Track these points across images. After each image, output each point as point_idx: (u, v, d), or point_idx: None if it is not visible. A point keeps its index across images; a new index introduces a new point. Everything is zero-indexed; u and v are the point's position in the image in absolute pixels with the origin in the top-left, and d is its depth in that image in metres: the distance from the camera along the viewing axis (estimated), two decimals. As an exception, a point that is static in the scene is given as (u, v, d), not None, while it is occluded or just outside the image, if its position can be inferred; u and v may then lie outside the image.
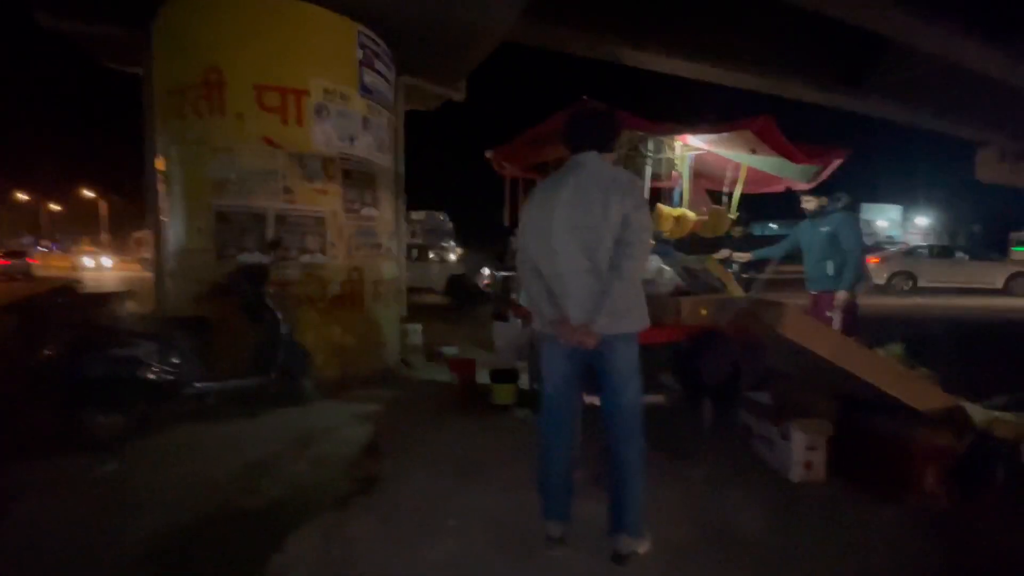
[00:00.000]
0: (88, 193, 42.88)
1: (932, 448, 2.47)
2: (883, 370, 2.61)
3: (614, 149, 2.12)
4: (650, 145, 5.06)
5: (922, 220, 41.84)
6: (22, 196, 44.03)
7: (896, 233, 38.54)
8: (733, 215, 4.89)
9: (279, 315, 3.77)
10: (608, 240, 1.88)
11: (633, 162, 5.36)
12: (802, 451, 2.72)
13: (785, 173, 4.81)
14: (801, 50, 11.40)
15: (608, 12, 9.10)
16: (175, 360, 3.25)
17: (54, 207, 46.31)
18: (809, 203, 4.61)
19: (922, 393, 2.60)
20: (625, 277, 1.87)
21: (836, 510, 2.45)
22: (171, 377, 3.21)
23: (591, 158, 1.99)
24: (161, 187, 4.69)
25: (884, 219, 40.54)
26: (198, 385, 3.33)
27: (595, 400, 2.92)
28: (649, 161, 5.21)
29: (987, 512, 2.45)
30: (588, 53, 10.10)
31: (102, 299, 4.96)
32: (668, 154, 5.00)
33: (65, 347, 3.03)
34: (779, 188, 5.14)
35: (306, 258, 4.44)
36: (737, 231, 5.00)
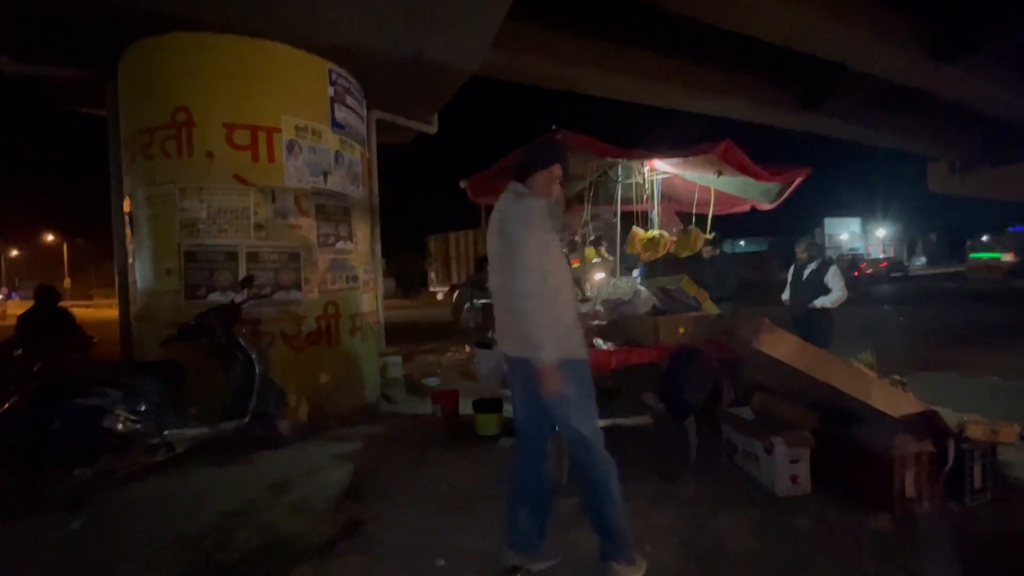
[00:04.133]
0: (51, 237, 41.55)
1: (911, 454, 2.51)
2: (857, 379, 2.67)
3: (529, 176, 2.08)
4: (619, 171, 5.21)
5: (881, 231, 43.70)
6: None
7: (859, 245, 40.12)
8: (709, 235, 5.04)
9: (253, 355, 3.67)
10: (505, 263, 1.98)
11: (603, 187, 5.51)
12: (786, 465, 2.74)
13: (749, 194, 5.01)
14: (762, 77, 12.00)
15: (573, 39, 9.44)
16: (142, 408, 3.11)
17: (14, 253, 44.66)
18: (706, 251, 5.13)
19: (896, 400, 2.67)
20: (514, 301, 1.90)
21: (825, 523, 2.46)
22: (139, 426, 3.07)
23: (510, 187, 2.12)
24: (128, 229, 4.58)
25: (846, 232, 42.18)
26: (168, 433, 3.19)
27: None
28: (619, 186, 5.37)
29: (970, 515, 2.50)
30: (556, 83, 10.42)
31: (65, 346, 4.77)
32: (637, 179, 5.15)
33: (26, 399, 2.88)
34: (744, 208, 5.33)
35: (280, 295, 4.36)
36: (708, 251, 5.14)
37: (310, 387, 4.43)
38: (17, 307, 27.52)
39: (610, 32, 9.72)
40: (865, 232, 43.46)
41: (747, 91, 11.94)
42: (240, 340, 3.69)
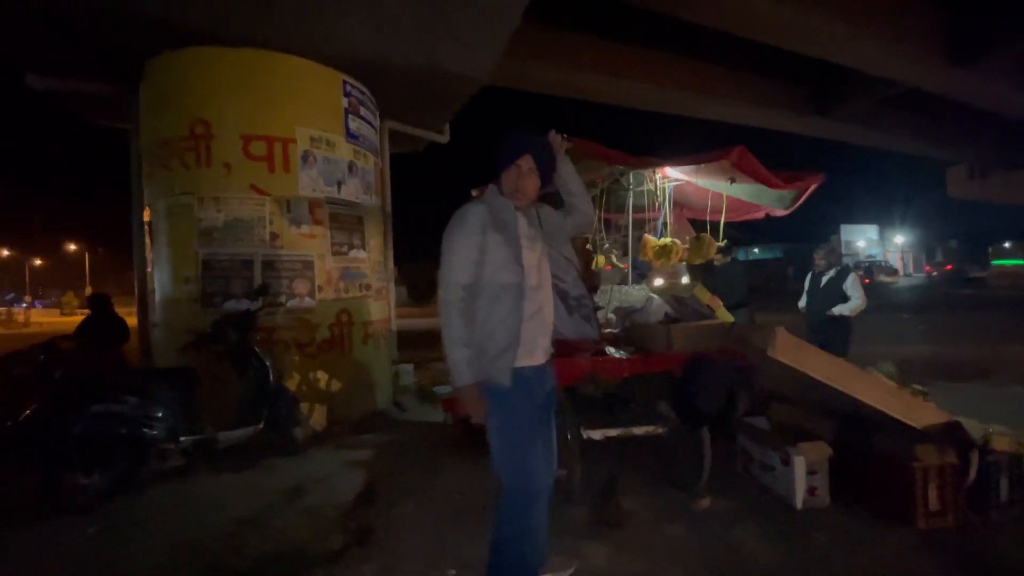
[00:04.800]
0: (73, 247, 42.58)
1: (934, 466, 2.45)
2: (877, 389, 2.61)
3: (498, 174, 1.85)
4: (631, 178, 5.20)
5: (899, 238, 42.94)
6: (6, 252, 43.59)
7: (876, 252, 39.45)
8: (721, 242, 4.99)
9: (267, 362, 3.71)
10: None
11: (615, 195, 5.50)
12: (804, 476, 2.68)
13: (763, 200, 4.96)
14: (774, 81, 11.92)
15: (582, 47, 9.48)
16: (159, 414, 3.15)
17: (38, 262, 45.82)
18: (717, 258, 5.12)
19: (918, 410, 2.60)
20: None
21: (844, 536, 2.40)
22: (155, 432, 3.11)
23: (488, 189, 1.92)
24: (147, 239, 4.67)
25: (862, 239, 41.52)
26: (183, 439, 3.23)
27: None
28: (630, 194, 5.36)
29: (996, 529, 2.42)
30: (565, 91, 10.45)
31: (86, 353, 4.86)
32: (649, 186, 5.13)
33: (46, 405, 2.94)
34: (759, 215, 5.28)
35: (294, 302, 4.41)
36: (718, 258, 5.09)
37: (323, 394, 4.46)
38: (40, 315, 28.15)
39: (620, 39, 9.75)
40: (883, 239, 42.74)
41: (758, 96, 11.88)
42: (255, 347, 3.73)
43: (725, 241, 5.05)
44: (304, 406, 4.10)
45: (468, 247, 1.69)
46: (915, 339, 8.95)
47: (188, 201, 4.27)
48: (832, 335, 4.29)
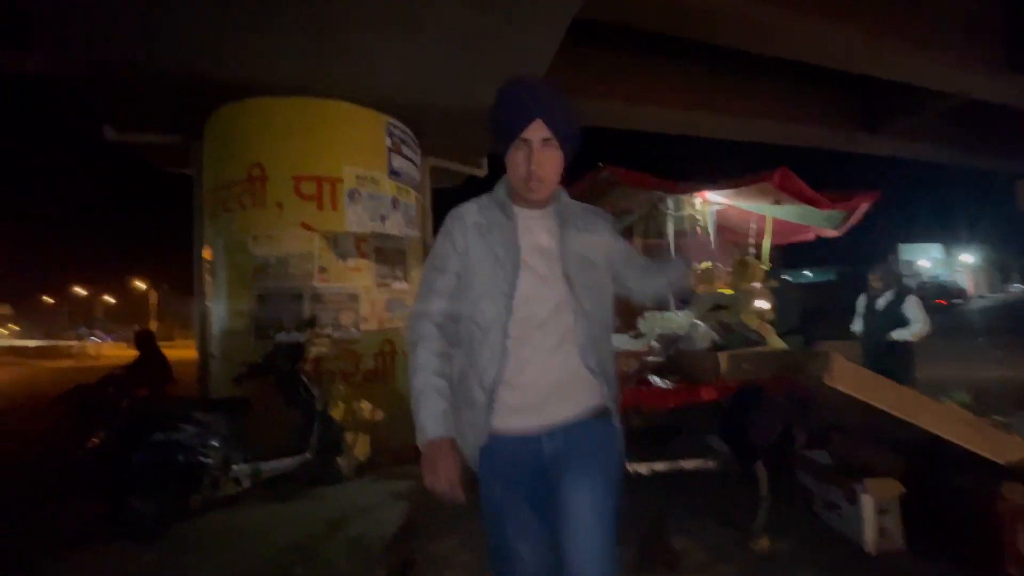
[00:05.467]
0: (141, 284, 45.74)
1: (1022, 506, 2.21)
2: (952, 420, 2.41)
3: (504, 158, 1.25)
4: (670, 203, 5.14)
5: (967, 257, 40.12)
6: (80, 291, 47.24)
7: (941, 272, 36.92)
8: (765, 266, 4.83)
9: (314, 392, 3.81)
10: None
11: (654, 221, 5.44)
12: (874, 515, 2.48)
13: (812, 221, 4.78)
14: (816, 99, 11.60)
15: (614, 74, 9.55)
16: (213, 443, 3.28)
17: (108, 299, 49.38)
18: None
19: (1001, 444, 2.38)
20: None
21: (923, 584, 2.19)
22: (210, 461, 3.23)
23: None
24: (207, 275, 4.97)
25: (925, 258, 39.05)
26: (235, 468, 3.33)
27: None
28: (670, 219, 5.28)
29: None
30: (600, 120, 10.53)
31: (149, 384, 5.14)
32: (689, 210, 5.05)
33: (111, 434, 3.11)
34: (808, 237, 5.09)
35: (340, 333, 4.54)
36: (769, 282, 4.90)
37: (367, 424, 4.52)
38: (110, 349, 30.14)
39: (653, 65, 9.79)
40: (949, 258, 40.10)
41: (798, 114, 11.56)
42: (303, 378, 3.85)
43: (772, 264, 4.88)
44: (348, 435, 4.16)
45: (441, 265, 1.25)
46: (991, 364, 8.25)
47: (244, 239, 4.53)
48: (892, 362, 4.02)
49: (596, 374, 1.23)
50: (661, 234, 5.45)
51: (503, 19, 4.08)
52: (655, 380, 3.19)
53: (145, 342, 5.60)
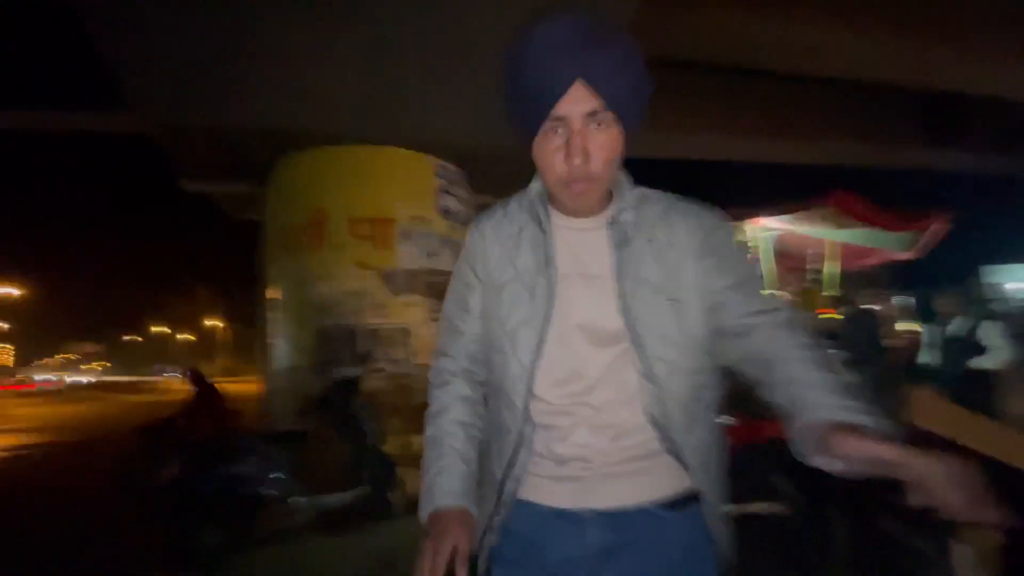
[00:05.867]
0: (213, 324, 49.06)
1: None
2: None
3: (532, 148, 0.85)
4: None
5: (1068, 278, 36.25)
6: (159, 329, 51.17)
7: (1035, 295, 33.53)
8: (831, 292, 4.57)
9: (368, 427, 3.89)
10: None
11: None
12: (972, 568, 2.20)
13: (881, 244, 4.51)
14: (879, 115, 11.04)
15: (668, 107, 9.51)
16: (274, 476, 3.39)
17: (185, 337, 53.15)
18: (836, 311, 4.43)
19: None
20: None
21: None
22: (271, 493, 3.33)
23: None
24: (271, 313, 5.27)
25: (1014, 281, 35.66)
26: (293, 500, 3.42)
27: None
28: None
29: None
30: (651, 152, 10.47)
31: (207, 418, 5.43)
32: (741, 237, 4.90)
33: (182, 466, 3.29)
34: (878, 260, 4.79)
35: (393, 368, 4.65)
36: (835, 311, 4.61)
37: (419, 458, 4.54)
38: (185, 383, 32.10)
39: (706, 96, 9.70)
40: (1042, 280, 36.38)
41: (857, 133, 11.03)
42: (358, 412, 3.94)
43: (839, 291, 4.60)
44: (401, 470, 4.19)
45: (455, 296, 0.98)
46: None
47: (305, 278, 4.80)
48: (970, 394, 3.63)
49: (677, 452, 0.82)
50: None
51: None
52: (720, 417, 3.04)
53: (197, 380, 5.92)
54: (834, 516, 2.47)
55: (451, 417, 0.97)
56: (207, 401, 5.76)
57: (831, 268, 4.61)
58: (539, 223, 0.89)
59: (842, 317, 4.59)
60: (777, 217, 4.39)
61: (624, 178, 0.89)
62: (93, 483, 5.78)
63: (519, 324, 0.86)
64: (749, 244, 4.95)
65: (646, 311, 0.82)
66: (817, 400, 0.70)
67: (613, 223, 0.86)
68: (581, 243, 0.87)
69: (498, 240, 0.92)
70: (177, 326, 52.98)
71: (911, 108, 11.14)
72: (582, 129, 0.77)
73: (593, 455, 0.84)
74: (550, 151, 0.80)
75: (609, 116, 0.77)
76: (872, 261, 4.82)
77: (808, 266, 4.94)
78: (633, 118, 0.80)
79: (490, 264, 0.92)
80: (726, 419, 2.98)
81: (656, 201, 0.89)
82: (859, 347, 4.44)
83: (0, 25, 5.22)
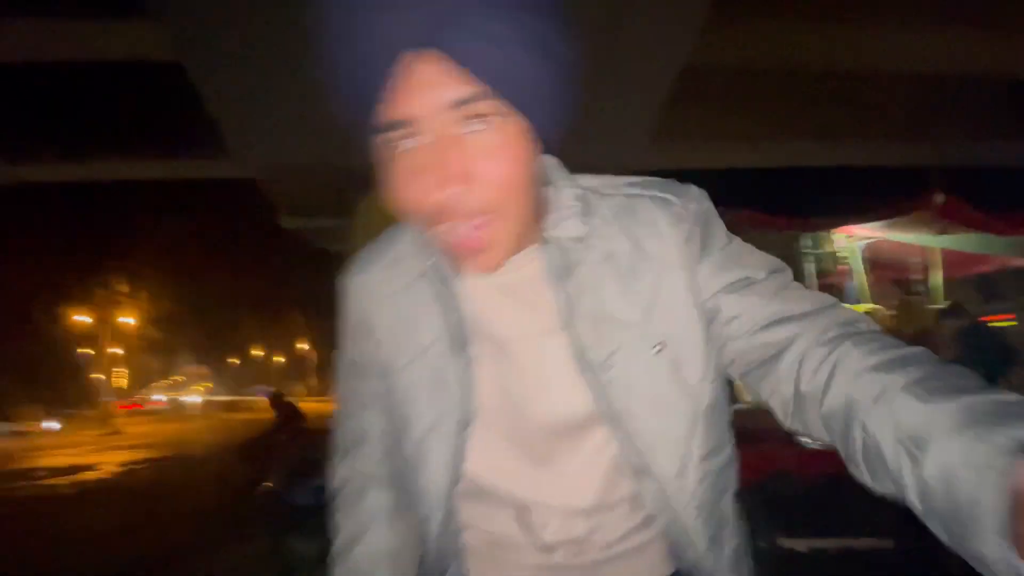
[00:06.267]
0: (305, 347, 52.96)
1: None
2: None
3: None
4: (808, 241, 4.73)
5: None
6: (257, 352, 55.96)
7: None
8: (939, 303, 4.15)
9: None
10: None
11: (790, 263, 5.00)
12: None
13: (991, 249, 4.07)
14: (969, 111, 9.96)
15: (729, 118, 9.14)
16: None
17: (278, 359, 57.75)
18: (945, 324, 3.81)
19: None
20: None
21: None
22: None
23: None
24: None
25: None
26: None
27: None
28: (811, 258, 4.84)
29: None
30: (719, 160, 10.06)
31: (298, 434, 5.84)
32: (829, 247, 4.61)
33: (280, 479, 3.56)
34: (989, 267, 4.31)
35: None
36: (948, 323, 4.16)
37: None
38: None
39: (771, 103, 9.25)
40: None
41: (949, 130, 9.92)
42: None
43: (948, 303, 4.16)
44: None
45: (345, 381, 0.74)
46: None
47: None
48: None
49: (667, 530, 0.56)
50: (801, 276, 4.99)
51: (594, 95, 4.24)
52: (805, 441, 2.84)
53: (277, 402, 6.35)
54: (946, 551, 2.22)
55: (371, 547, 0.71)
56: (289, 421, 6.22)
57: (935, 278, 4.20)
58: (440, 272, 0.58)
59: (954, 333, 4.14)
60: (868, 224, 4.09)
61: (558, 175, 0.61)
62: (197, 495, 6.35)
63: (426, 431, 0.58)
64: (840, 255, 4.64)
65: (622, 369, 0.53)
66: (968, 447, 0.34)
67: (546, 243, 0.55)
68: (506, 289, 0.57)
69: (386, 300, 0.62)
70: (272, 349, 57.64)
71: (1005, 100, 9.93)
72: (449, 134, 0.46)
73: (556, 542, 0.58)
74: (403, 180, 0.50)
75: (496, 106, 0.46)
76: (982, 269, 4.33)
77: (908, 276, 4.52)
78: (544, 105, 0.49)
79: (377, 337, 0.62)
80: (806, 441, 2.78)
81: (605, 196, 0.60)
82: (977, 362, 3.98)
83: (112, 80, 6.06)
